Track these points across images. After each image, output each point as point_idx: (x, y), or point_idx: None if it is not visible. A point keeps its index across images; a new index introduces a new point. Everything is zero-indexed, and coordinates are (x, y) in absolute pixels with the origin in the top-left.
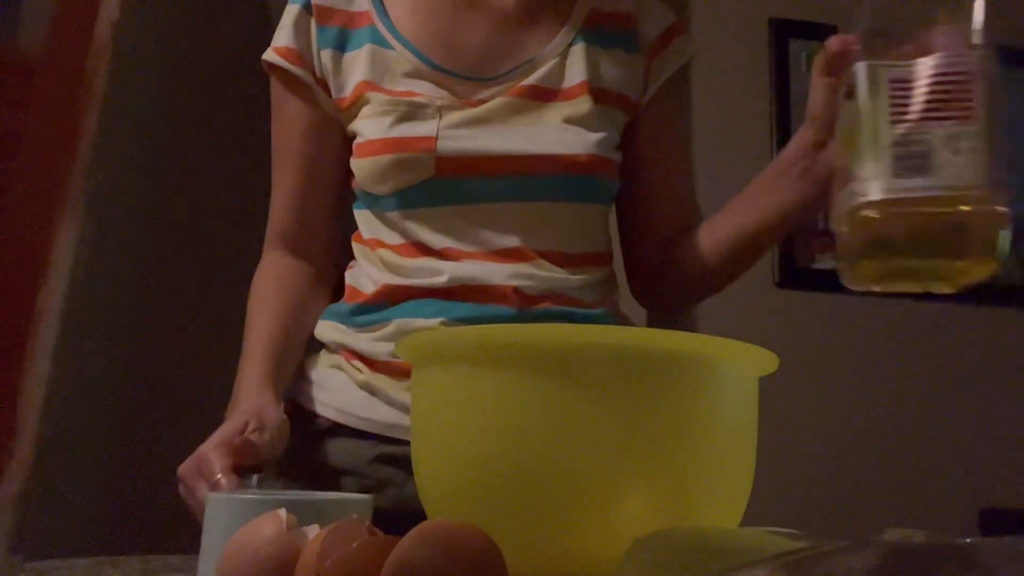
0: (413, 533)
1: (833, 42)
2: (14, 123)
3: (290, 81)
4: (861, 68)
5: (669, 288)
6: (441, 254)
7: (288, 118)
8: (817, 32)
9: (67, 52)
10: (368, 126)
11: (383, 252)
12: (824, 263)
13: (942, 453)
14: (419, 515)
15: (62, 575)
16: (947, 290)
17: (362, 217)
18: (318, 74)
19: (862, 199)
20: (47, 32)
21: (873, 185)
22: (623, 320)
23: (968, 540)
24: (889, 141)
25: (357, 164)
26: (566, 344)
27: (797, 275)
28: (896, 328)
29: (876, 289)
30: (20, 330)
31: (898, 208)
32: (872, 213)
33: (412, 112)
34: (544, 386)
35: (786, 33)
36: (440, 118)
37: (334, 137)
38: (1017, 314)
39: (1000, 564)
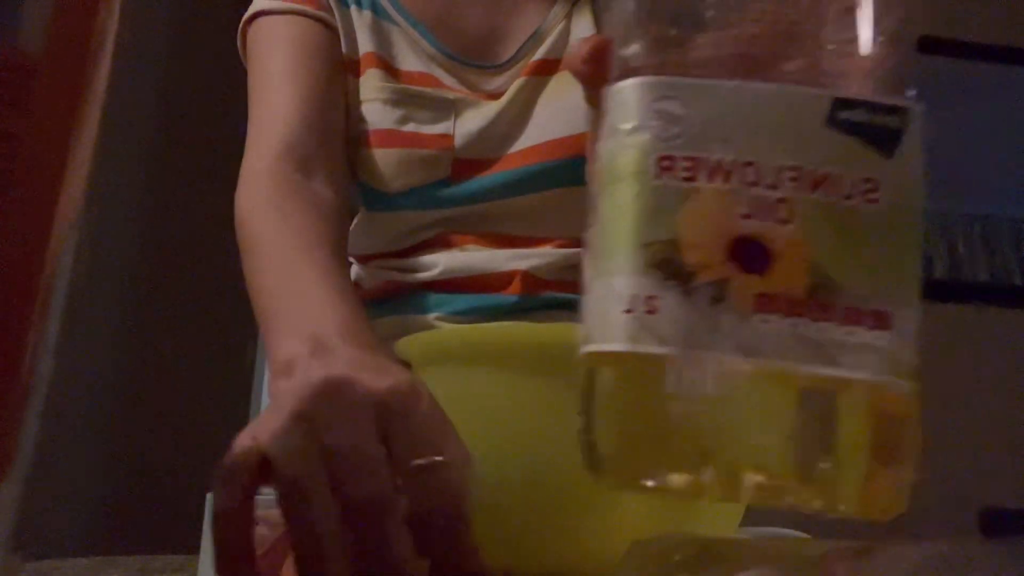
0: None
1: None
2: (14, 123)
3: (298, 18)
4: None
5: None
6: (437, 241)
7: (295, 39)
8: None
9: (67, 52)
10: (373, 112)
11: (374, 263)
12: None
13: (942, 453)
14: None
15: (62, 575)
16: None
17: (360, 220)
18: (331, 21)
19: (597, 343)
20: (47, 32)
21: (615, 317)
22: None
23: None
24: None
25: (366, 155)
26: (567, 344)
27: None
28: None
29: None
30: (20, 329)
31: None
32: (607, 377)
33: (424, 105)
34: (544, 386)
35: None
36: (456, 115)
37: (341, 82)
38: (1017, 314)
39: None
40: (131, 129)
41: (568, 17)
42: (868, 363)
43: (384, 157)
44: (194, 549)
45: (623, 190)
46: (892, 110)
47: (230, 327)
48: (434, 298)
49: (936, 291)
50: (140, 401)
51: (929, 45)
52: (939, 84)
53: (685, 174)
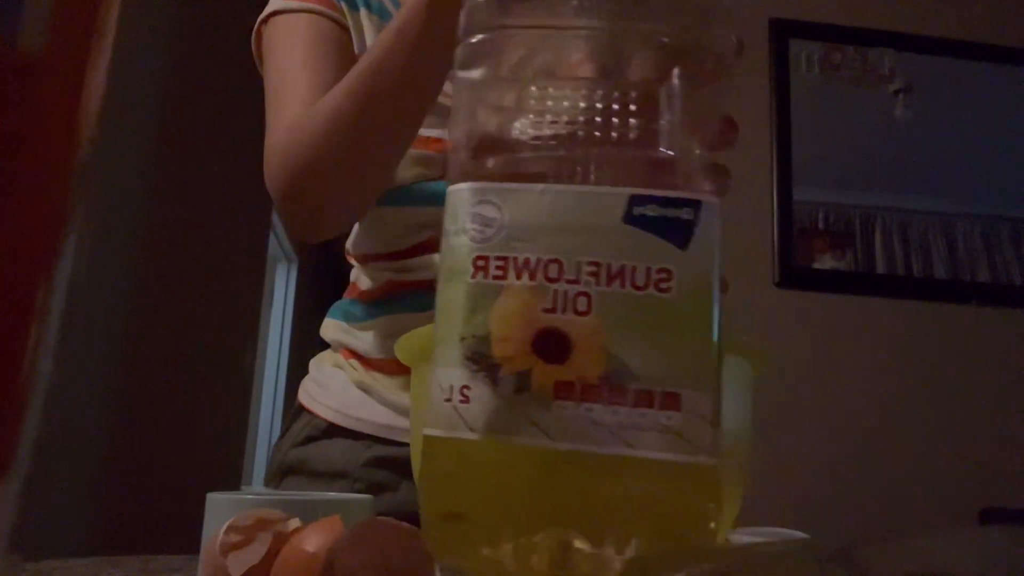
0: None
1: None
2: (14, 123)
3: (315, 16)
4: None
5: None
6: (432, 244)
7: (313, 34)
8: (817, 32)
9: (67, 52)
10: None
11: (373, 264)
12: (824, 263)
13: (942, 453)
14: (412, 518)
15: (62, 575)
16: None
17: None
18: (344, 22)
19: (428, 426)
20: (47, 32)
21: (438, 405)
22: None
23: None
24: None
25: None
26: None
27: (797, 275)
28: (896, 328)
29: None
30: (20, 330)
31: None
32: (435, 460)
33: None
34: None
35: (786, 33)
36: None
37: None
38: (1017, 314)
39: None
40: (131, 129)
41: None
42: (657, 443)
43: None
44: (194, 549)
45: (449, 288)
46: (686, 203)
47: (230, 328)
48: (431, 296)
49: (936, 291)
50: (140, 401)
51: (929, 45)
52: (939, 84)
53: (497, 273)
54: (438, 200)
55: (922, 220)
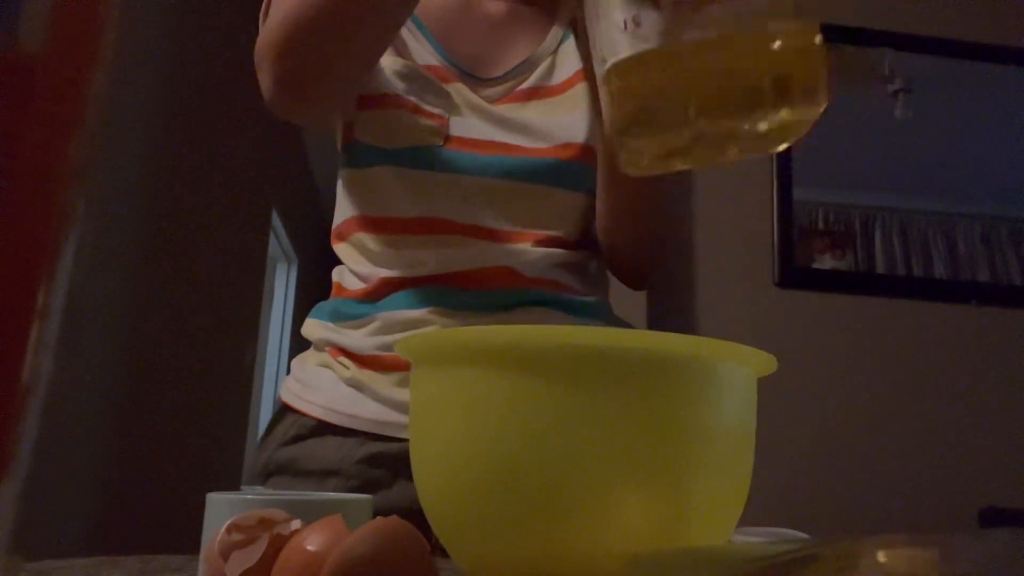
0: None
1: None
2: (14, 123)
3: None
4: None
5: (619, 266)
6: (431, 228)
7: None
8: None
9: (67, 52)
10: (382, 80)
11: (365, 238)
12: (824, 263)
13: (942, 453)
14: (407, 515)
15: (62, 575)
16: (752, 152)
17: (350, 182)
18: None
19: (611, 59)
20: (47, 32)
21: (618, 38)
22: (611, 312)
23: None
24: None
25: (370, 115)
26: (564, 346)
27: (797, 275)
28: (896, 328)
29: (659, 172)
30: (20, 330)
31: (663, 64)
32: (622, 78)
33: (427, 87)
34: (542, 388)
35: None
36: (452, 104)
37: None
38: (1017, 314)
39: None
40: (131, 129)
41: (555, 53)
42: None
43: (386, 117)
44: (194, 549)
45: None
46: None
47: (230, 328)
48: (426, 293)
49: (936, 291)
50: (140, 401)
51: (929, 45)
52: (939, 84)
53: None
54: (441, 165)
55: (922, 220)
